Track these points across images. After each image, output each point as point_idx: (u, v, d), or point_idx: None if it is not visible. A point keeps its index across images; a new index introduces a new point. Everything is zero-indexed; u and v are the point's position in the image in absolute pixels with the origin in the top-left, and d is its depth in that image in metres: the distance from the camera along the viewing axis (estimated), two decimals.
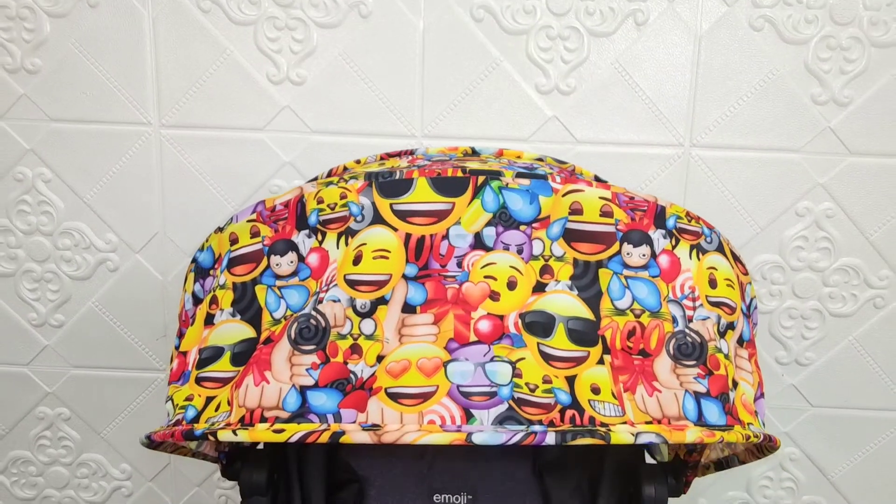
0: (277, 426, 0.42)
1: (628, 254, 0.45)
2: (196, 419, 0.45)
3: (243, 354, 0.45)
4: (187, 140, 1.02)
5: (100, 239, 1.07)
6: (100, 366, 1.11)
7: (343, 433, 0.40)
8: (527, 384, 0.41)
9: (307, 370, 0.43)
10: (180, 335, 0.52)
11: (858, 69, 0.96)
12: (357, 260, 0.44)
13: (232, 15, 0.98)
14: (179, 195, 1.05)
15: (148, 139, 1.02)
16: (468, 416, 0.39)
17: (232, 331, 0.46)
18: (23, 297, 1.09)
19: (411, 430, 0.39)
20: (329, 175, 0.57)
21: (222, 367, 0.46)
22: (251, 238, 0.47)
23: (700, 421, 0.44)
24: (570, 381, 0.42)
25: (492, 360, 0.42)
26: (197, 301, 0.50)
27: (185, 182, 1.04)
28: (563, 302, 0.44)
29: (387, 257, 0.44)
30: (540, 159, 0.65)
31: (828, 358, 1.06)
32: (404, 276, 0.44)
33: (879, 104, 0.98)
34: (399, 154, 0.62)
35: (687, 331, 0.45)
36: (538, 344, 0.43)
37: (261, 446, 0.84)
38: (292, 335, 0.44)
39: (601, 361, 0.43)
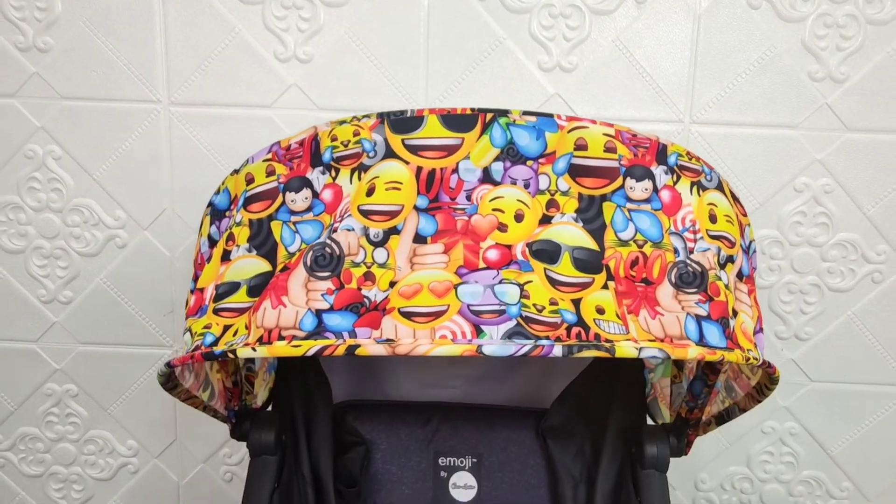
0: (295, 343, 0.43)
1: (631, 188, 0.47)
2: (215, 343, 0.47)
3: (259, 287, 0.46)
4: (196, 117, 1.04)
5: (108, 216, 1.08)
6: (107, 342, 1.13)
7: (358, 346, 0.41)
8: (534, 305, 0.43)
9: (322, 295, 0.45)
10: (195, 278, 0.53)
11: (855, 46, 0.98)
12: (370, 191, 0.46)
13: None
14: (188, 172, 1.06)
15: (157, 116, 1.04)
16: (478, 332, 0.41)
17: (248, 266, 0.48)
18: (32, 273, 1.10)
19: (424, 343, 0.40)
20: None
21: (239, 298, 0.48)
22: (266, 177, 0.49)
23: (702, 342, 0.45)
24: (576, 303, 0.43)
25: (500, 282, 0.43)
26: (213, 243, 0.52)
27: (193, 159, 1.06)
28: (569, 232, 0.45)
29: (399, 188, 0.45)
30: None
31: (827, 333, 1.07)
32: (416, 208, 0.45)
33: (876, 81, 0.99)
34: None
35: (688, 261, 0.47)
36: (545, 269, 0.44)
37: (270, 408, 0.85)
38: (308, 262, 0.46)
39: (605, 287, 0.45)
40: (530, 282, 0.43)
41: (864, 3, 0.97)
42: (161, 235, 1.08)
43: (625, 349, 0.41)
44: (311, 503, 0.78)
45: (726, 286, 0.47)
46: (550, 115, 0.47)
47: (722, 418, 0.69)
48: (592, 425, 0.85)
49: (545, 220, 0.46)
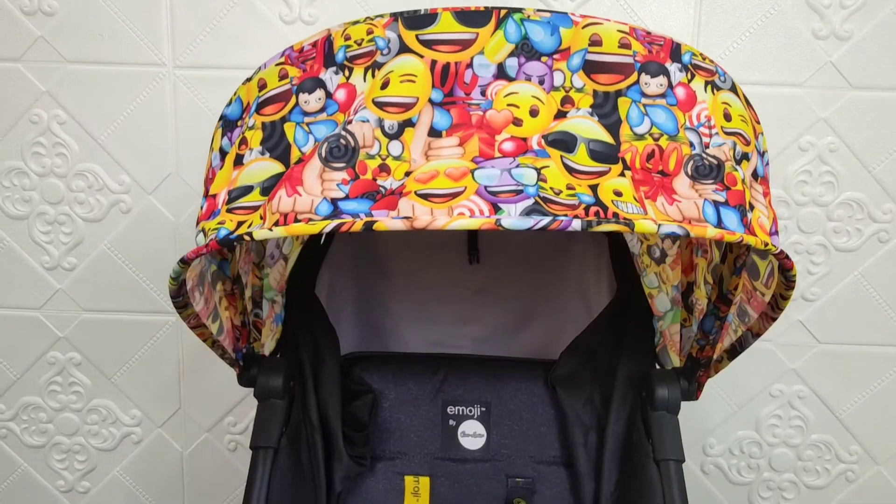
0: (311, 223, 0.43)
1: (646, 83, 0.46)
2: (230, 234, 0.46)
3: (273, 187, 0.46)
4: (201, 80, 1.04)
5: (113, 180, 1.08)
6: (111, 309, 1.12)
7: (375, 222, 0.41)
8: (551, 188, 0.42)
9: (338, 185, 0.44)
10: (206, 193, 0.53)
11: (858, 3, 0.98)
12: (385, 85, 0.46)
13: None
14: (193, 135, 1.06)
15: (162, 79, 1.04)
16: (496, 209, 0.41)
17: (261, 168, 0.48)
18: (36, 239, 1.10)
19: (441, 217, 0.40)
20: None
21: (252, 198, 0.47)
22: (279, 80, 0.49)
23: (720, 226, 0.45)
24: (593, 188, 0.43)
25: (517, 166, 0.43)
26: (224, 155, 0.51)
27: (198, 122, 1.05)
28: (585, 125, 0.45)
29: (413, 81, 0.45)
30: None
31: (834, 293, 1.07)
32: (430, 101, 0.45)
33: (879, 38, 1.00)
34: None
35: (704, 154, 0.47)
36: (561, 157, 0.44)
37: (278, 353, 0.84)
38: (323, 154, 0.46)
39: (622, 175, 0.44)
40: (547, 167, 0.43)
41: None
42: (166, 200, 1.08)
43: (644, 225, 0.41)
44: (319, 449, 0.78)
45: (743, 180, 0.47)
46: (564, 13, 0.47)
47: (734, 351, 0.69)
48: (601, 374, 0.84)
49: (560, 115, 0.46)
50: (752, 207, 0.47)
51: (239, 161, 0.49)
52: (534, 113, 0.45)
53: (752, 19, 1.00)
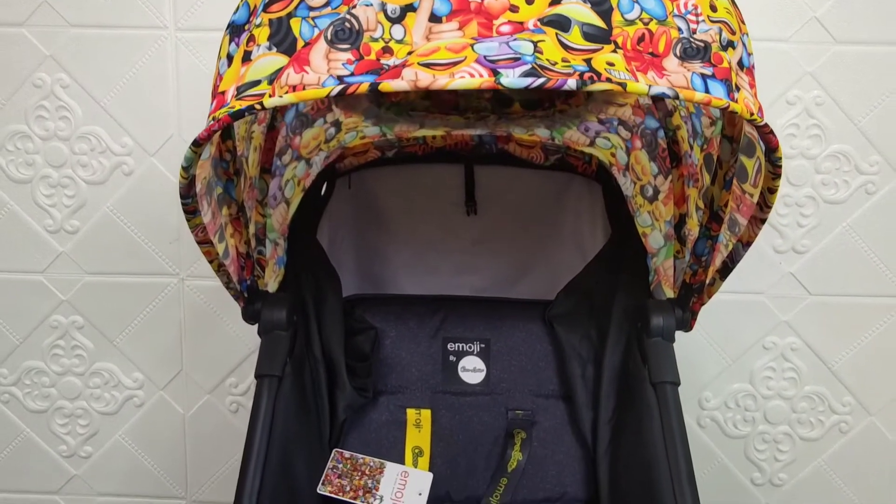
0: (321, 88, 0.45)
1: None
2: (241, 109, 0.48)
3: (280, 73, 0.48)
4: (202, 42, 1.06)
5: (116, 143, 1.10)
6: (114, 272, 1.13)
7: (381, 83, 0.43)
8: (548, 59, 0.44)
9: (343, 64, 0.46)
10: (214, 93, 0.55)
11: None
12: None
13: None
14: (194, 97, 1.08)
15: (164, 43, 1.06)
16: (495, 74, 0.43)
17: (268, 62, 0.50)
18: (39, 203, 1.12)
19: (443, 78, 0.42)
20: None
21: (261, 88, 0.49)
22: None
23: (707, 93, 0.47)
24: (587, 60, 0.45)
25: (515, 39, 0.45)
26: (231, 59, 0.54)
27: (200, 84, 1.08)
28: (578, 10, 0.48)
29: None
30: None
31: (823, 245, 1.09)
32: None
33: None
34: None
35: (692, 38, 0.49)
36: (556, 34, 0.46)
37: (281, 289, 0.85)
38: (328, 36, 0.48)
39: (614, 52, 0.47)
40: (543, 41, 0.46)
41: None
42: (168, 162, 1.10)
43: (636, 86, 0.43)
44: (323, 380, 0.79)
45: (729, 62, 0.49)
46: None
47: (726, 269, 0.71)
48: (598, 311, 0.86)
49: (555, 2, 0.48)
50: (738, 88, 0.50)
51: (247, 57, 0.51)
52: (529, 1, 0.48)
53: None
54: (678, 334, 0.80)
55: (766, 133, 0.50)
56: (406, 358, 0.84)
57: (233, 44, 0.54)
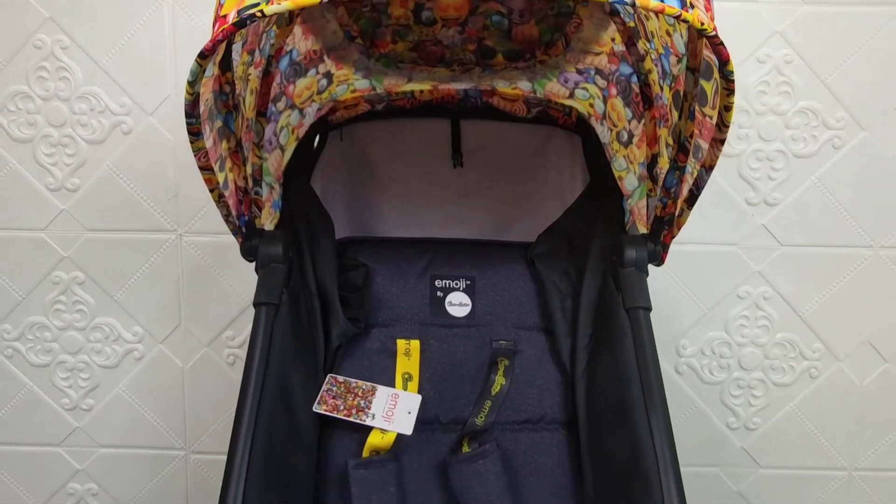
0: None
1: None
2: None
3: None
4: (199, 3, 1.10)
5: (115, 102, 1.14)
6: (113, 228, 1.18)
7: None
8: None
9: None
10: (216, 18, 0.59)
11: None
12: None
13: None
14: (191, 58, 1.10)
15: (161, 4, 1.10)
16: None
17: None
18: (40, 161, 1.16)
19: None
20: None
21: (261, 8, 0.54)
22: None
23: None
24: None
25: None
26: None
27: (197, 44, 1.08)
28: None
29: None
30: None
31: (793, 198, 1.15)
32: None
33: None
34: None
35: None
36: None
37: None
38: None
39: None
40: None
41: None
42: (165, 120, 1.14)
43: None
44: (317, 310, 0.84)
45: None
46: None
47: (692, 197, 0.75)
48: (577, 251, 0.91)
49: None
50: (693, 7, 0.54)
51: None
52: None
53: None
54: (656, 284, 0.85)
55: (716, 45, 0.55)
56: (396, 293, 0.89)
57: None
